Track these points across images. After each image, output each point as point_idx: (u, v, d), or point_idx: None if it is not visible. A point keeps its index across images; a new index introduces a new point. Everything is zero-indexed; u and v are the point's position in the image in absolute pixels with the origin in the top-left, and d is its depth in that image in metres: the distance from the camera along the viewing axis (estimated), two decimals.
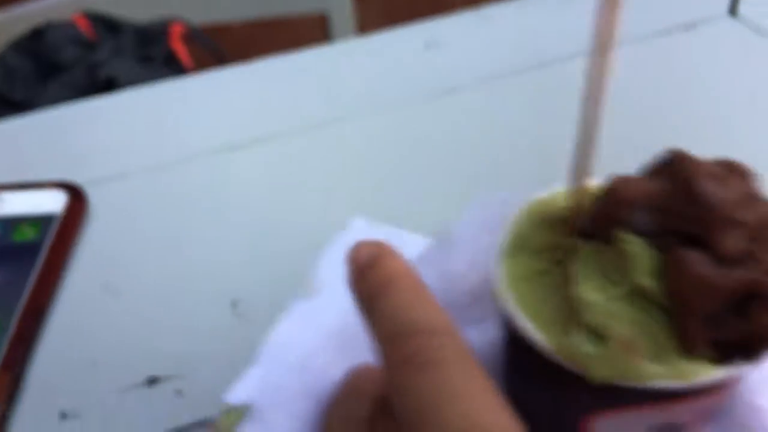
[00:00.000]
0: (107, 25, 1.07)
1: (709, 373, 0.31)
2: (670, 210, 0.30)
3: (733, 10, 0.69)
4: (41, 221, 0.47)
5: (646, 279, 0.31)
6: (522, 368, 0.36)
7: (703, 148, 0.33)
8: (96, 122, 0.60)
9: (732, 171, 0.32)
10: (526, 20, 0.71)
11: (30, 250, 0.44)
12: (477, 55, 0.67)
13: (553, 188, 0.38)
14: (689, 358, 0.31)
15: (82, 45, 1.03)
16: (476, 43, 0.69)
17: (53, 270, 0.44)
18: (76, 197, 0.50)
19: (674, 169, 0.32)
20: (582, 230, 0.33)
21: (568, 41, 0.66)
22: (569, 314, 0.33)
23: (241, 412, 0.40)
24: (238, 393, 0.41)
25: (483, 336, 0.43)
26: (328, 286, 0.46)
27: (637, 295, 0.31)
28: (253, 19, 1.21)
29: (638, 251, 0.31)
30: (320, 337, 0.43)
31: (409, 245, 0.47)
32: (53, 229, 0.46)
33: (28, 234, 0.46)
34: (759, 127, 0.58)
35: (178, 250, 0.50)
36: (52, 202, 0.48)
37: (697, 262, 0.30)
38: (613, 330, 0.31)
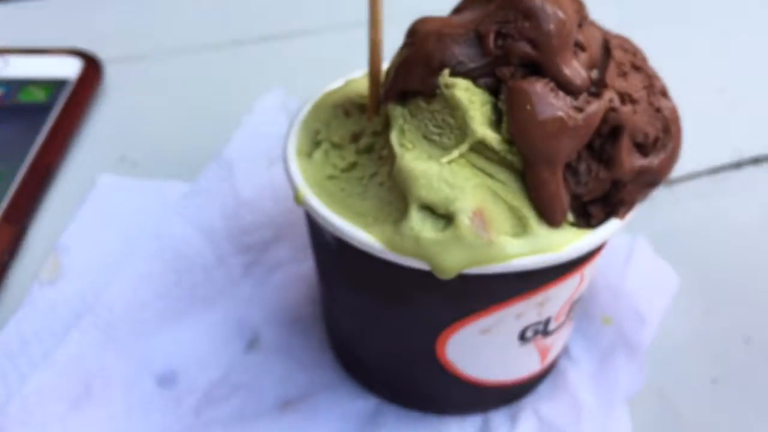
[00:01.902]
0: None
1: (580, 239, 0.24)
2: (499, 35, 0.23)
3: None
4: (52, 84, 0.46)
5: (484, 129, 0.23)
6: (348, 284, 0.28)
7: None
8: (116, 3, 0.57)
9: None
10: None
11: (39, 110, 0.44)
12: None
13: (345, 79, 0.30)
14: (552, 225, 0.24)
15: None
16: None
17: (64, 132, 0.43)
18: (91, 65, 0.48)
19: None
20: (392, 95, 0.25)
21: None
22: (395, 201, 0.24)
23: None
24: None
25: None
26: (77, 270, 0.35)
27: (477, 154, 0.24)
28: None
29: (468, 96, 0.23)
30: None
31: (163, 194, 0.37)
32: (65, 93, 0.45)
33: (37, 96, 0.45)
34: None
35: (192, 130, 0.44)
36: (65, 69, 0.47)
37: (543, 94, 0.23)
38: (457, 202, 0.23)
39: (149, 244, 0.34)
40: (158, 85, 0.50)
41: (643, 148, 0.24)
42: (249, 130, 0.37)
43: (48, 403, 0.29)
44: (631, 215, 0.25)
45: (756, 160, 0.45)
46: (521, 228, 0.24)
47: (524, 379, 0.30)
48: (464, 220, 0.23)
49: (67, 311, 0.33)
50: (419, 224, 0.23)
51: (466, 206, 0.23)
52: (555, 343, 0.29)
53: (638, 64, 0.25)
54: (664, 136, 0.24)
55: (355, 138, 0.28)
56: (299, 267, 0.35)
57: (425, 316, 0.26)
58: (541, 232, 0.24)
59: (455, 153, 0.23)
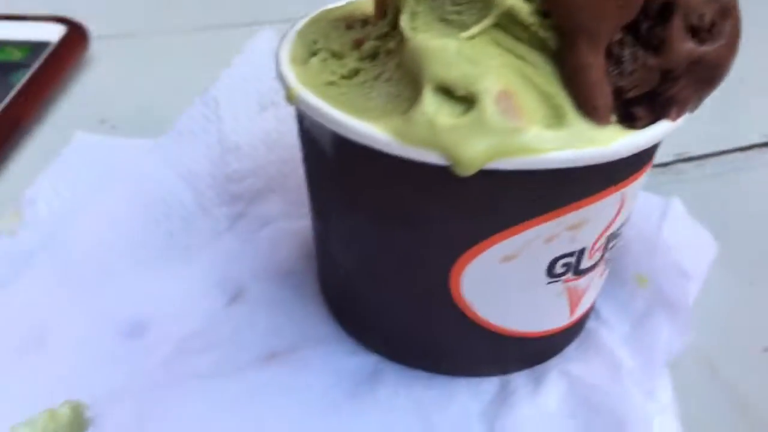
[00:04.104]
0: None
1: (628, 136, 0.20)
2: None
3: None
4: (31, 46, 0.43)
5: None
6: (348, 203, 0.24)
7: None
8: None
9: None
10: None
11: (14, 68, 0.41)
12: None
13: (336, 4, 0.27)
14: (594, 119, 0.20)
15: None
16: None
17: (39, 90, 0.40)
18: (75, 31, 0.45)
19: None
20: None
21: None
22: (405, 92, 0.21)
23: None
24: None
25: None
26: (41, 221, 0.31)
27: (504, 31, 0.20)
28: None
29: None
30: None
31: (138, 152, 0.33)
32: (44, 54, 0.42)
33: (14, 55, 0.42)
34: None
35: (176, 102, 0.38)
36: (47, 33, 0.45)
37: None
38: (480, 80, 0.19)
39: (123, 187, 0.30)
40: (146, 61, 0.47)
41: (698, 33, 0.21)
42: (238, 71, 0.34)
43: None
44: (684, 119, 0.21)
45: None
46: (557, 119, 0.20)
47: (551, 332, 0.25)
48: (488, 102, 0.19)
49: (23, 261, 0.29)
50: (435, 108, 0.19)
51: (490, 86, 0.19)
52: (587, 291, 0.25)
53: None
54: (721, 21, 0.21)
55: (358, 44, 0.24)
56: (291, 224, 0.31)
57: (439, 236, 0.22)
58: (580, 125, 0.20)
59: (477, 28, 0.20)
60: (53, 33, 0.45)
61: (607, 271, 0.26)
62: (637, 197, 0.24)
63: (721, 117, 0.43)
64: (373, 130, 0.20)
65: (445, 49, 0.20)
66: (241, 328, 0.27)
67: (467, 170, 0.19)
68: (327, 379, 0.25)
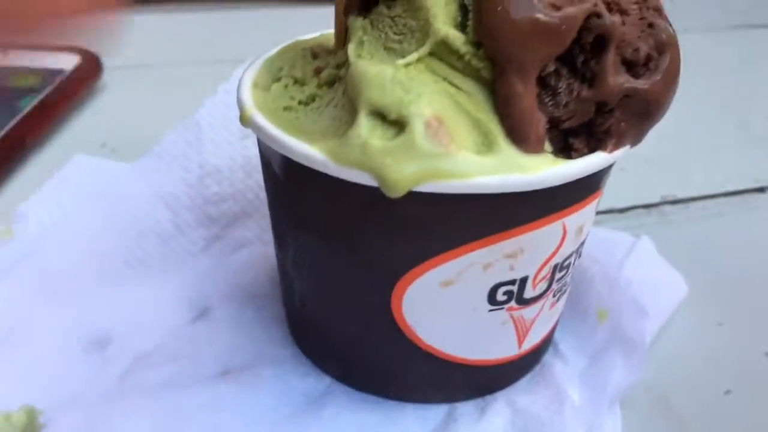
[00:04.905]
0: None
1: (557, 165, 0.21)
2: None
3: None
4: (46, 73, 0.46)
5: (448, 28, 0.20)
6: (296, 221, 0.24)
7: None
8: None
9: None
10: None
11: (28, 92, 0.43)
12: None
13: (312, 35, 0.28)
14: (524, 149, 0.20)
15: None
16: None
17: (47, 113, 0.42)
18: (89, 60, 0.48)
19: None
20: (354, 5, 0.23)
21: None
22: (346, 116, 0.22)
23: None
24: None
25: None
26: (28, 237, 0.32)
27: (439, 60, 0.21)
28: None
29: None
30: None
31: (132, 175, 0.34)
32: (57, 81, 0.45)
33: (29, 81, 0.45)
34: None
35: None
36: (63, 62, 0.47)
37: None
38: (412, 105, 0.20)
39: (102, 204, 0.31)
40: (149, 90, 0.49)
41: (632, 67, 0.21)
42: (222, 98, 0.35)
43: None
44: (621, 153, 0.22)
45: None
46: (487, 146, 0.20)
47: (499, 361, 0.25)
48: (418, 125, 0.20)
49: (4, 270, 0.30)
50: (367, 131, 0.20)
51: (422, 111, 0.20)
52: (536, 322, 0.25)
53: None
54: (658, 56, 0.21)
55: (318, 72, 0.25)
56: (265, 248, 0.32)
57: (378, 258, 0.22)
58: (510, 152, 0.20)
59: (414, 56, 0.21)
60: (69, 62, 0.47)
61: (560, 304, 0.26)
62: (587, 229, 0.24)
63: (712, 161, 0.43)
64: (310, 151, 0.21)
65: (381, 74, 0.20)
66: (201, 345, 0.27)
67: (396, 192, 0.20)
68: (276, 398, 0.25)
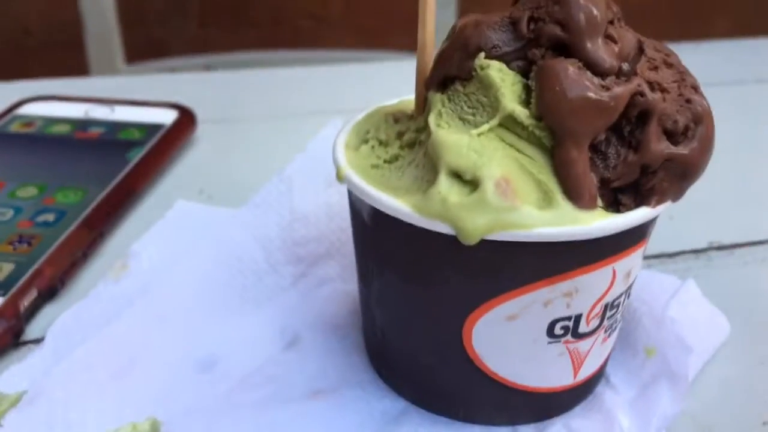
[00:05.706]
0: None
1: (608, 219, 0.24)
2: (531, 19, 0.25)
3: None
4: (149, 127, 0.51)
5: (514, 105, 0.25)
6: (381, 262, 0.28)
7: None
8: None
9: None
10: None
11: (134, 145, 0.49)
12: None
13: (399, 99, 0.32)
14: (579, 205, 0.24)
15: None
16: None
17: (151, 165, 0.48)
18: (186, 115, 0.54)
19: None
20: (433, 82, 0.27)
21: None
22: (427, 175, 0.26)
23: (14, 399, 0.30)
24: (12, 380, 0.30)
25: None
26: (142, 271, 0.37)
27: (507, 130, 0.25)
28: None
29: (501, 76, 0.25)
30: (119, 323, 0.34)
31: (230, 216, 0.39)
32: (158, 135, 0.50)
33: (134, 135, 0.50)
34: None
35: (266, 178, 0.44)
36: (163, 117, 0.53)
37: (571, 71, 0.24)
38: (484, 168, 0.24)
39: (209, 246, 0.36)
40: (239, 142, 0.54)
41: (672, 136, 0.25)
42: (311, 153, 0.40)
43: (91, 370, 0.31)
44: (663, 207, 0.25)
45: None
46: (547, 202, 0.24)
47: (556, 389, 0.29)
48: (489, 185, 0.24)
49: (125, 303, 0.35)
50: (447, 189, 0.24)
51: (492, 173, 0.24)
52: (590, 355, 0.29)
53: (670, 62, 0.26)
54: (695, 126, 0.25)
55: (400, 135, 0.29)
56: (345, 285, 0.36)
57: (452, 296, 0.26)
58: (567, 207, 0.24)
59: (485, 126, 0.25)
60: (168, 117, 0.53)
61: (611, 339, 0.30)
62: (635, 273, 0.28)
63: (757, 208, 0.46)
64: (398, 204, 0.25)
65: (458, 142, 0.25)
66: (293, 369, 0.32)
67: (470, 240, 0.24)
68: (360, 416, 0.29)
